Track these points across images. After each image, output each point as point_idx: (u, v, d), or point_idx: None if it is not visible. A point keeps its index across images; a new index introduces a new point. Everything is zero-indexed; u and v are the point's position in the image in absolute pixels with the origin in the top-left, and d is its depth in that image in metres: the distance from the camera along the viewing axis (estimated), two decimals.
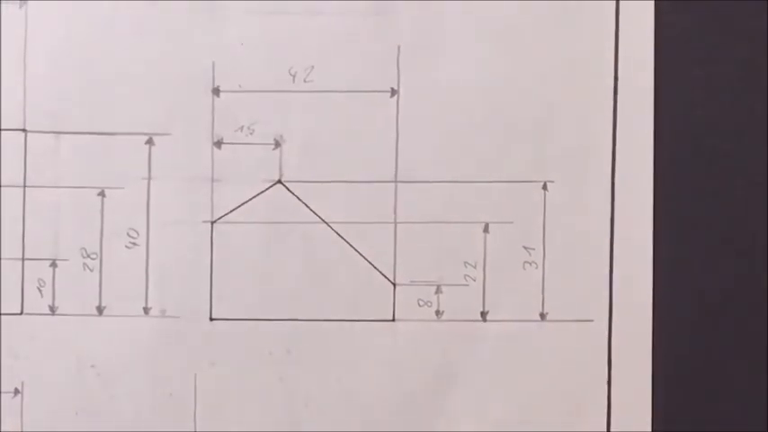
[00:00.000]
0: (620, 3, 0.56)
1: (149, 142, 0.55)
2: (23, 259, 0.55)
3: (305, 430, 0.56)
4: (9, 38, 0.56)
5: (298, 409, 0.56)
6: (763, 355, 0.56)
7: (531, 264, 0.56)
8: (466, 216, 0.56)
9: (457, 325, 0.56)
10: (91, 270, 0.55)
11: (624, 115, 0.56)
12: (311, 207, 0.56)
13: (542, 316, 0.56)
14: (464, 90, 0.56)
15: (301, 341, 0.56)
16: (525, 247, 0.56)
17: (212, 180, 0.56)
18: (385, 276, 0.56)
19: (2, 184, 0.55)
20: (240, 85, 0.56)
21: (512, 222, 0.56)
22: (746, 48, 0.56)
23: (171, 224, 0.56)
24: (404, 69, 0.56)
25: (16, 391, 0.55)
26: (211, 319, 0.56)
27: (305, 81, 0.56)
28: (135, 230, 0.55)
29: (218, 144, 0.56)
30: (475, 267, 0.56)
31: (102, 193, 0.55)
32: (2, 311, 0.55)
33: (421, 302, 0.56)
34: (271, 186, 0.56)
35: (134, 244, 0.55)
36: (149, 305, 0.55)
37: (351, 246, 0.56)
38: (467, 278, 0.56)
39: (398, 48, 0.56)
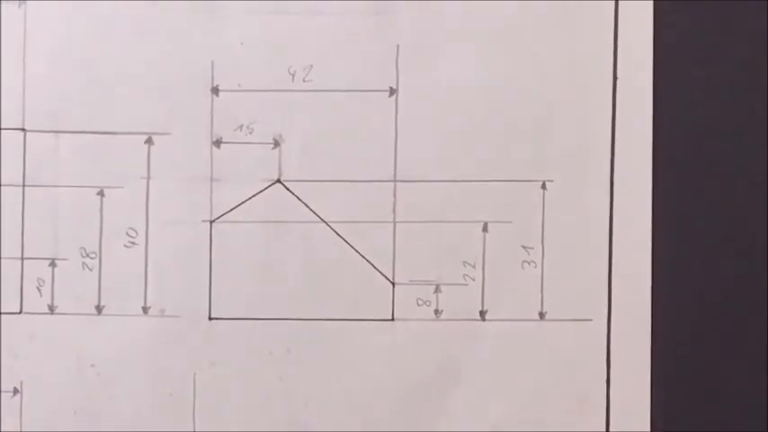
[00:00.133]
0: (620, 3, 0.56)
1: (149, 142, 0.55)
2: (23, 258, 0.55)
3: (305, 430, 0.56)
4: (8, 37, 0.56)
5: (297, 409, 0.56)
6: (763, 355, 0.56)
7: (529, 263, 0.56)
8: (465, 215, 0.56)
9: (456, 324, 0.56)
10: (90, 269, 0.55)
11: (623, 115, 0.56)
12: (310, 206, 0.56)
13: (541, 315, 0.56)
14: (463, 90, 0.56)
15: (301, 341, 0.56)
16: (524, 247, 0.56)
17: (211, 179, 0.56)
18: (384, 276, 0.56)
19: (1, 183, 0.55)
20: (239, 85, 0.56)
21: (511, 222, 0.56)
22: (746, 48, 0.56)
23: (170, 223, 0.56)
24: (403, 69, 0.56)
25: (15, 391, 0.55)
26: (211, 319, 0.56)
27: (304, 81, 0.56)
28: (134, 230, 0.55)
29: (218, 143, 0.56)
30: (474, 267, 0.56)
31: (101, 193, 0.55)
32: (1, 311, 0.55)
33: (420, 302, 0.56)
34: (270, 186, 0.56)
35: (133, 243, 0.55)
36: (148, 304, 0.55)
37: (350, 245, 0.56)
38: (466, 277, 0.56)
39: (398, 47, 0.56)
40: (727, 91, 0.56)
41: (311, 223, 0.56)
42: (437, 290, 0.56)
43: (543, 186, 0.56)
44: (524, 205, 0.56)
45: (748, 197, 0.56)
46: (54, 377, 0.55)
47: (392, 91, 0.56)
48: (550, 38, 0.56)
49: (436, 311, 0.56)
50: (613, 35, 0.56)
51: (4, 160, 0.55)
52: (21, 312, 0.55)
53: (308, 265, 0.56)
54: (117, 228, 0.55)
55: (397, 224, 0.56)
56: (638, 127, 0.56)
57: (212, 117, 0.56)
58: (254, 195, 0.56)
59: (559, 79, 0.56)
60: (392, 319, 0.56)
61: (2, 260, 0.55)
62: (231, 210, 0.56)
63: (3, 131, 0.55)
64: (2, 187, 0.55)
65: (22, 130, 0.55)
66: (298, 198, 0.56)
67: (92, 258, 0.55)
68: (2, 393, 0.55)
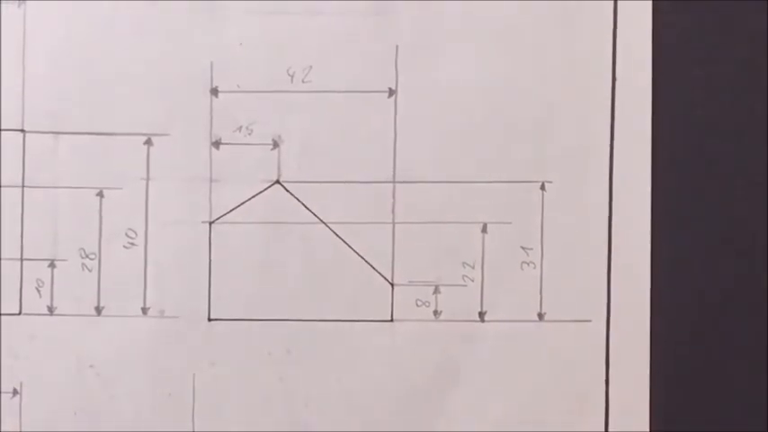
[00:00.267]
0: (619, 3, 0.56)
1: (148, 142, 0.55)
2: (22, 259, 0.55)
3: (305, 430, 0.56)
4: (8, 38, 0.56)
5: (297, 409, 0.56)
6: (763, 355, 0.56)
7: (529, 264, 0.56)
8: (464, 216, 0.56)
9: (455, 325, 0.56)
10: (89, 270, 0.55)
11: (622, 115, 0.56)
12: (310, 207, 0.56)
13: (540, 316, 0.56)
14: (463, 90, 0.56)
15: (300, 341, 0.56)
16: (523, 248, 0.56)
17: (211, 180, 0.56)
18: (383, 277, 0.56)
19: (1, 184, 0.55)
20: (239, 86, 0.56)
21: (510, 223, 0.56)
22: (746, 48, 0.56)
23: (169, 224, 0.56)
24: (402, 69, 0.56)
25: (15, 392, 0.55)
26: (210, 320, 0.56)
27: (303, 81, 0.56)
28: (133, 231, 0.55)
29: (217, 144, 0.56)
30: (473, 268, 0.56)
31: (100, 194, 0.55)
32: (1, 312, 0.55)
33: (419, 303, 0.56)
34: (269, 187, 0.56)
35: (132, 244, 0.55)
36: (148, 305, 0.55)
37: (349, 246, 0.56)
38: (465, 278, 0.56)
39: (397, 48, 0.56)
40: (727, 91, 0.56)
41: (310, 224, 0.56)
42: (436, 291, 0.56)
43: (542, 187, 0.56)
44: (523, 206, 0.56)
45: (748, 197, 0.56)
46: (54, 378, 0.55)
47: (391, 92, 0.56)
48: (550, 38, 0.56)
49: (435, 312, 0.56)
50: (613, 35, 0.56)
51: (4, 161, 0.55)
52: (20, 313, 0.55)
53: (307, 265, 0.56)
54: (116, 229, 0.55)
55: (397, 225, 0.56)
56: (637, 127, 0.56)
57: (211, 118, 0.56)
58: (253, 196, 0.56)
59: (559, 79, 0.56)
60: (391, 320, 0.56)
61: (1, 261, 0.55)
62: (230, 211, 0.56)
63: (2, 132, 0.55)
64: (1, 188, 0.55)
65: (22, 130, 0.55)
66: (297, 199, 0.56)
67: (91, 259, 0.55)
68: (1, 394, 0.55)
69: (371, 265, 0.56)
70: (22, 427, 0.55)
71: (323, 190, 0.56)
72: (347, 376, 0.56)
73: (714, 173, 0.56)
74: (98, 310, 0.55)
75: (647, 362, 0.55)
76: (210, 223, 0.56)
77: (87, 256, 0.55)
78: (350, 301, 0.56)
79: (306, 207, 0.56)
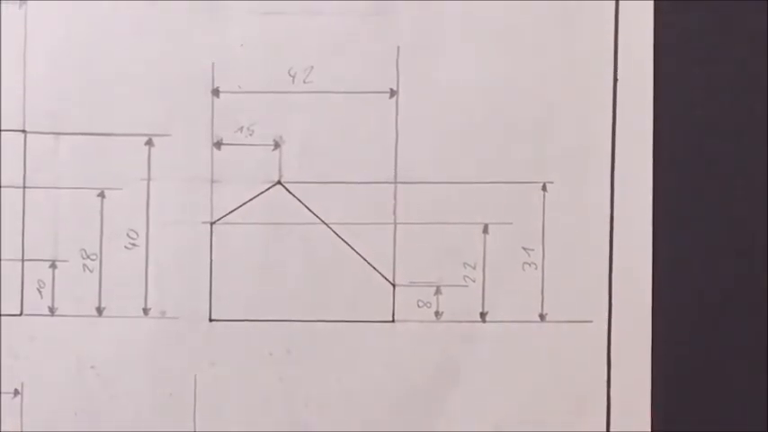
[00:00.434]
0: (620, 3, 0.56)
1: (149, 143, 0.55)
2: (23, 260, 0.55)
3: (305, 430, 0.56)
4: (9, 38, 0.56)
5: (298, 409, 0.56)
6: (763, 355, 0.56)
7: (530, 264, 0.56)
8: (465, 217, 0.56)
9: (456, 326, 0.56)
10: (90, 271, 0.55)
11: (624, 115, 0.56)
12: (311, 208, 0.56)
13: (542, 317, 0.56)
14: (463, 91, 0.56)
15: (301, 341, 0.56)
16: (524, 248, 0.56)
17: (212, 181, 0.56)
18: (384, 277, 0.56)
19: (1, 184, 0.55)
20: (240, 86, 0.56)
21: (511, 223, 0.56)
22: (746, 48, 0.56)
23: (170, 225, 0.56)
24: (403, 70, 0.56)
25: (16, 392, 0.55)
26: (211, 320, 0.56)
27: (304, 82, 0.56)
28: (134, 231, 0.55)
29: (218, 145, 0.56)
30: (474, 268, 0.56)
31: (101, 194, 0.55)
32: (2, 312, 0.55)
33: (420, 303, 0.56)
34: (270, 187, 0.56)
35: (134, 245, 0.55)
36: (149, 306, 0.55)
37: (350, 247, 0.56)
38: (466, 279, 0.56)
39: (398, 48, 0.56)
40: (727, 91, 0.56)
41: (311, 225, 0.56)
42: (437, 291, 0.56)
43: (544, 188, 0.56)
44: (525, 206, 0.56)
45: (748, 197, 0.56)
46: (54, 378, 0.55)
47: (392, 92, 0.56)
48: (550, 38, 0.56)
49: (436, 313, 0.56)
50: (614, 35, 0.56)
51: (5, 162, 0.55)
52: (21, 314, 0.55)
53: (308, 266, 0.56)
54: (117, 229, 0.55)
55: (398, 225, 0.56)
56: (638, 127, 0.56)
57: (213, 118, 0.56)
58: (254, 197, 0.56)
59: (559, 80, 0.56)
60: (392, 321, 0.56)
61: (2, 262, 0.55)
62: (231, 211, 0.56)
63: (3, 133, 0.55)
64: (2, 189, 0.55)
65: (23, 131, 0.55)
66: (298, 199, 0.56)
67: (92, 260, 0.55)
68: (2, 394, 0.55)
69: (373, 266, 0.56)
70: (22, 428, 0.55)
71: (324, 190, 0.56)
72: (348, 377, 0.56)
73: (714, 173, 0.56)
74: (99, 310, 0.55)
75: (649, 362, 0.55)
76: (211, 224, 0.56)
77: (88, 257, 0.55)
78: (351, 301, 0.56)
79: (307, 208, 0.56)
